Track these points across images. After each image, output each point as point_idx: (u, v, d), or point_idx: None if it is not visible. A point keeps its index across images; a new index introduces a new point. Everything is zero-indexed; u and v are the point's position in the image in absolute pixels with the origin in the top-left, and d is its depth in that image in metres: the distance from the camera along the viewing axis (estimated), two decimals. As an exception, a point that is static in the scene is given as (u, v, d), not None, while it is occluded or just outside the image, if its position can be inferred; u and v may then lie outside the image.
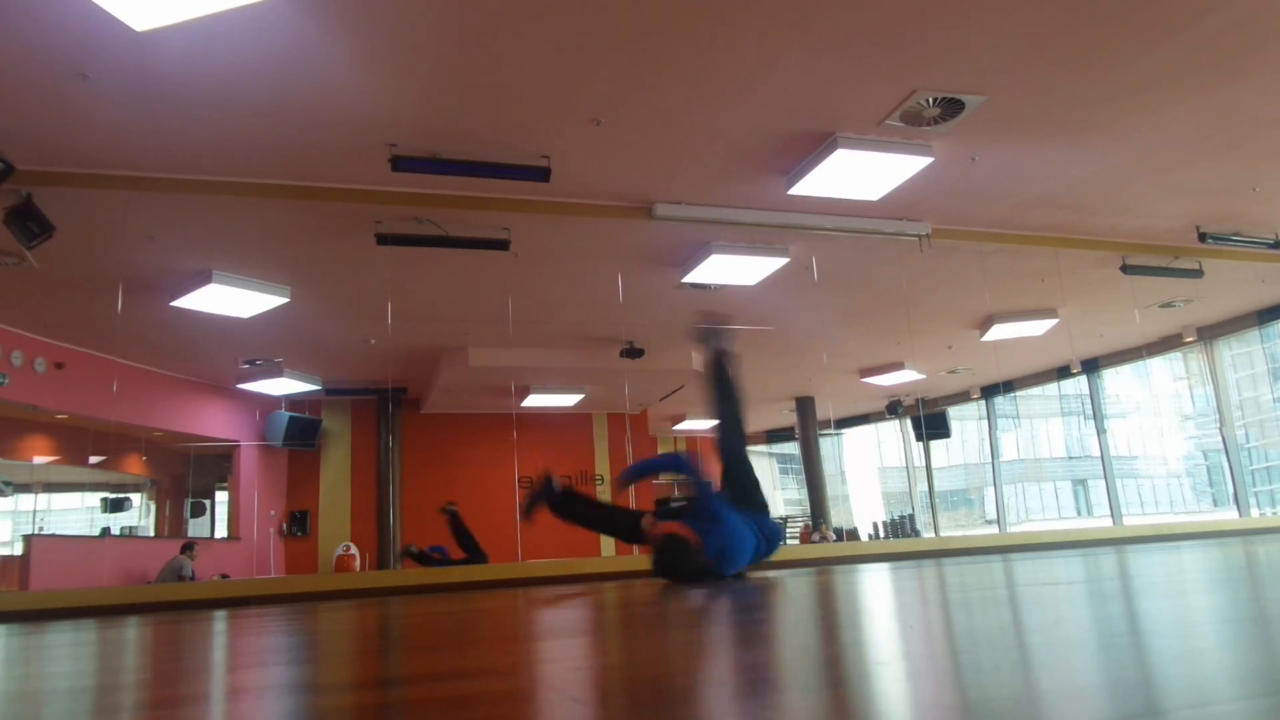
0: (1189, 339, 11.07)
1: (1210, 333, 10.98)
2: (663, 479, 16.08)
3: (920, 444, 14.77)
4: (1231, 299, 9.92)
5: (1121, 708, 0.66)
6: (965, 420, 14.96)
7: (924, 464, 15.14)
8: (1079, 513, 23.60)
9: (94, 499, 11.59)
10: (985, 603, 1.80)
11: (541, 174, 5.47)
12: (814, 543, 11.90)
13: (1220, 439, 11.44)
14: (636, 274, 7.61)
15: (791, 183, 5.87)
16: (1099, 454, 13.11)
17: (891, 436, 16.21)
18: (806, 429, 13.96)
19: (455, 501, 9.26)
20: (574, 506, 4.41)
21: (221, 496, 12.44)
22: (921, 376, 12.19)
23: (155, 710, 0.99)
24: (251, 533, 11.26)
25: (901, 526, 14.74)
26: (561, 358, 10.10)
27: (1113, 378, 13.61)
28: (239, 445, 11.38)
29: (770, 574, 4.60)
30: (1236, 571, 2.34)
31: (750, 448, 18.28)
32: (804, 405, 13.91)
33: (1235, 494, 11.15)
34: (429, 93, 4.74)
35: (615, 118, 5.10)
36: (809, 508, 14.20)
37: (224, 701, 1.06)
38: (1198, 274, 8.35)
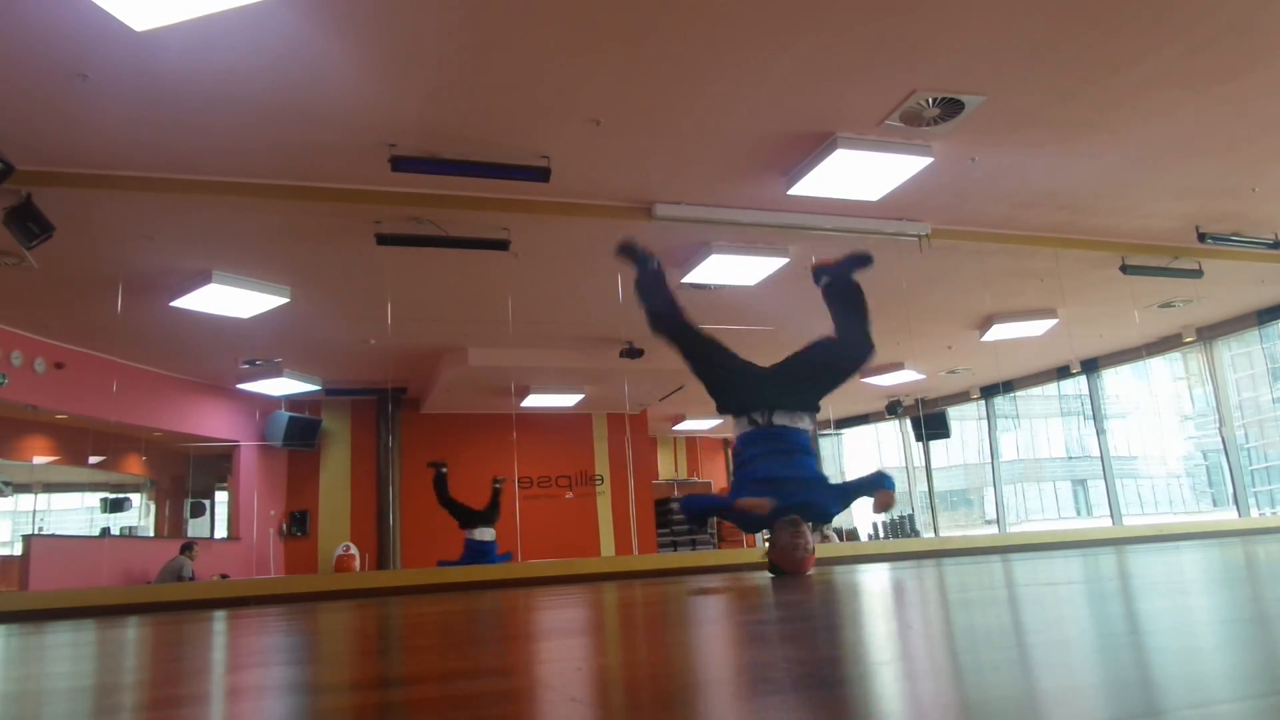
0: (1189, 339, 11.07)
1: (1210, 333, 10.98)
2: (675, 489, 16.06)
3: (920, 444, 14.77)
4: (1231, 299, 9.92)
5: (1121, 708, 0.66)
6: (965, 420, 14.95)
7: (924, 464, 15.13)
8: (1079, 513, 23.58)
9: (94, 499, 11.60)
10: (985, 603, 1.80)
11: (541, 174, 5.47)
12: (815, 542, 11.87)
13: (1220, 439, 11.43)
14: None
15: (791, 183, 5.87)
16: (1099, 454, 13.10)
17: (891, 437, 16.20)
18: (806, 429, 13.94)
19: (444, 463, 9.49)
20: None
21: (221, 497, 12.45)
22: (921, 377, 12.18)
23: (155, 710, 0.99)
24: (251, 533, 11.26)
25: (901, 526, 14.73)
26: (561, 358, 10.10)
27: (1112, 378, 13.59)
28: (239, 445, 11.38)
29: (769, 573, 4.60)
30: (1236, 571, 2.34)
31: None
32: (804, 405, 13.89)
33: (1235, 494, 11.15)
34: (429, 93, 4.74)
35: (615, 118, 5.10)
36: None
37: (224, 701, 1.06)
38: (1197, 274, 8.35)
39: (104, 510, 11.18)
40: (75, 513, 12.61)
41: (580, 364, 10.23)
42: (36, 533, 10.26)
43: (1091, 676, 0.81)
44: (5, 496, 10.93)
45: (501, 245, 6.45)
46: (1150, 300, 9.46)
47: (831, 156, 5.48)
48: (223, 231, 6.32)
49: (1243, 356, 14.14)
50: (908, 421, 14.77)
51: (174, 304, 7.22)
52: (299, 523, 11.89)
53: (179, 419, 10.45)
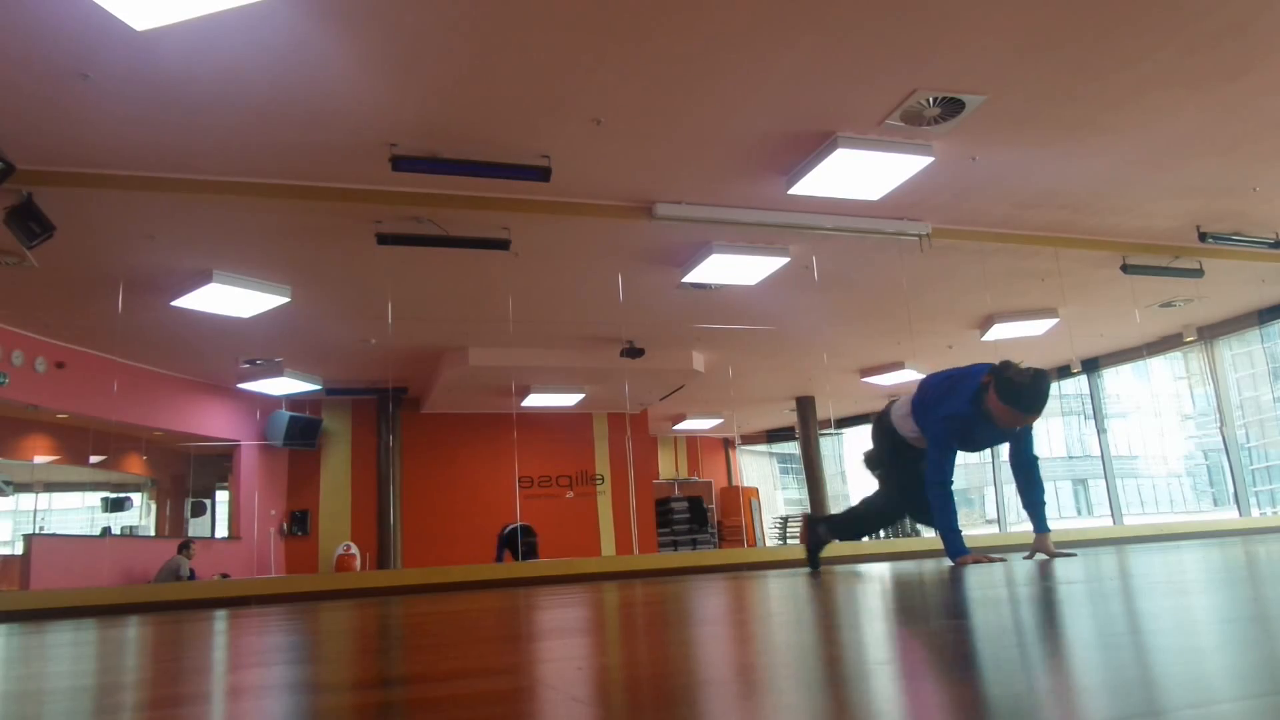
0: (1189, 339, 11.06)
1: (1211, 332, 10.98)
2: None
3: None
4: (1232, 299, 9.92)
5: (1121, 708, 0.66)
6: (965, 420, 14.91)
7: (924, 464, 15.10)
8: (1079, 512, 23.61)
9: (94, 499, 11.61)
10: (985, 602, 1.80)
11: (542, 174, 5.47)
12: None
13: (1220, 439, 11.43)
14: (636, 274, 7.61)
15: (791, 182, 5.87)
16: (1099, 454, 13.10)
17: (892, 436, 16.16)
18: (807, 428, 13.97)
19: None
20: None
21: (222, 496, 12.46)
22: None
23: (155, 710, 0.99)
24: (252, 532, 11.27)
25: (901, 526, 14.71)
26: (561, 358, 10.11)
27: (1113, 377, 13.60)
28: (239, 445, 11.39)
29: (770, 573, 4.61)
30: (1236, 571, 2.34)
31: (750, 447, 18.15)
32: (804, 405, 13.93)
33: (1235, 494, 11.15)
34: (429, 92, 4.74)
35: (615, 118, 5.10)
36: (809, 507, 14.22)
37: (224, 701, 1.07)
38: (1198, 274, 8.35)
39: (105, 510, 11.19)
40: (76, 512, 12.62)
41: (580, 364, 10.24)
42: (37, 532, 10.27)
43: (1092, 677, 0.81)
44: (6, 496, 10.94)
45: (502, 245, 6.45)
46: (1151, 300, 9.46)
47: (832, 156, 5.48)
48: (223, 231, 6.32)
49: (1243, 356, 14.14)
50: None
51: (175, 304, 7.23)
52: (299, 522, 11.90)
53: (179, 418, 10.46)
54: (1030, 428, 3.75)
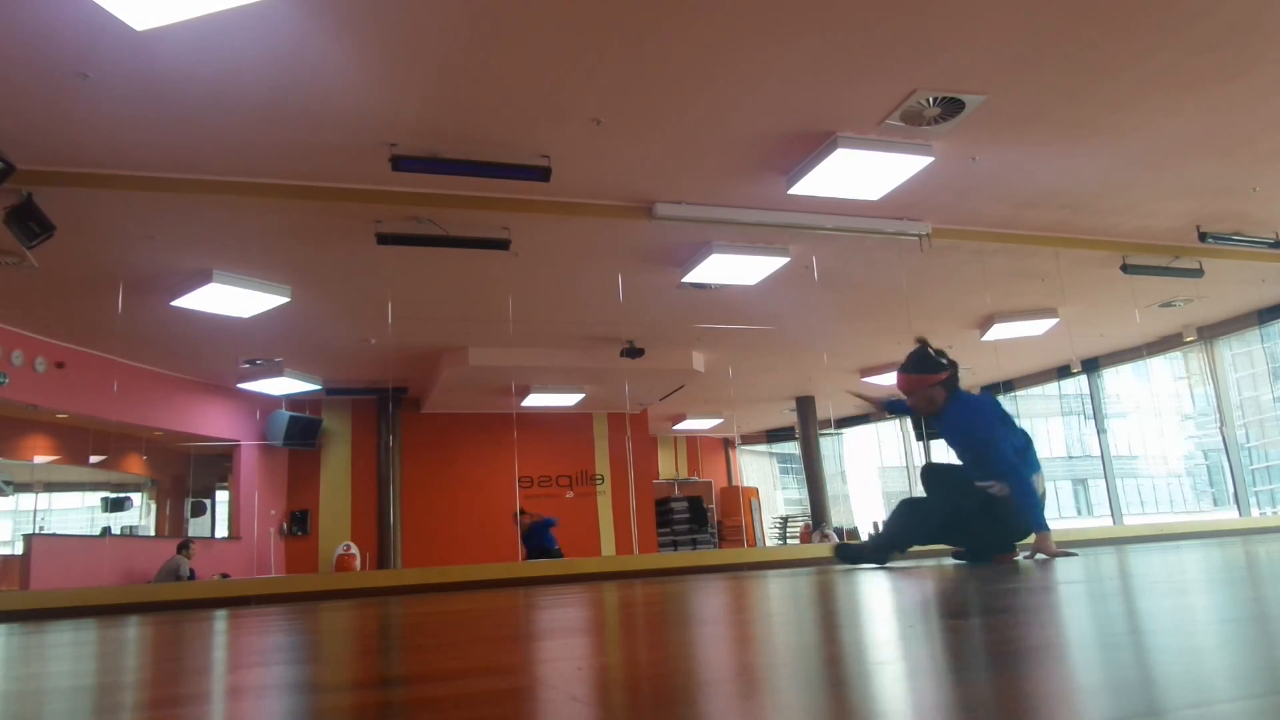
0: (1189, 339, 11.06)
1: (1210, 332, 10.98)
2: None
3: (920, 443, 14.77)
4: (1232, 299, 9.92)
5: (1121, 708, 0.66)
6: (965, 420, 14.90)
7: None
8: (1079, 512, 23.61)
9: (94, 499, 11.61)
10: (986, 602, 1.80)
11: (542, 174, 5.47)
12: (815, 543, 11.90)
13: (1220, 439, 11.43)
14: (636, 274, 7.61)
15: (791, 182, 5.87)
16: (1099, 453, 13.10)
17: (892, 436, 16.19)
18: (807, 428, 13.97)
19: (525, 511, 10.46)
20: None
21: (222, 496, 12.46)
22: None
23: (155, 710, 0.99)
24: (252, 532, 11.27)
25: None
26: (561, 358, 10.11)
27: (1113, 377, 13.59)
28: (239, 445, 11.39)
29: (770, 573, 4.61)
30: (1236, 571, 2.34)
31: (750, 447, 18.17)
32: (804, 405, 13.92)
33: (1235, 494, 11.15)
34: (429, 92, 4.74)
35: (615, 118, 5.10)
36: (809, 507, 14.22)
37: (224, 701, 1.06)
38: (1198, 274, 8.35)
39: (105, 509, 11.19)
40: (76, 512, 12.62)
41: (580, 364, 10.24)
42: (37, 532, 10.27)
43: (1092, 677, 0.81)
44: (6, 496, 10.94)
45: (502, 245, 6.45)
46: (1151, 300, 9.46)
47: (832, 156, 5.48)
48: (223, 231, 6.32)
49: (1243, 356, 14.13)
50: (908, 421, 14.76)
51: (174, 303, 7.23)
52: (299, 522, 11.90)
53: (179, 418, 10.46)
54: (989, 437, 4.13)
